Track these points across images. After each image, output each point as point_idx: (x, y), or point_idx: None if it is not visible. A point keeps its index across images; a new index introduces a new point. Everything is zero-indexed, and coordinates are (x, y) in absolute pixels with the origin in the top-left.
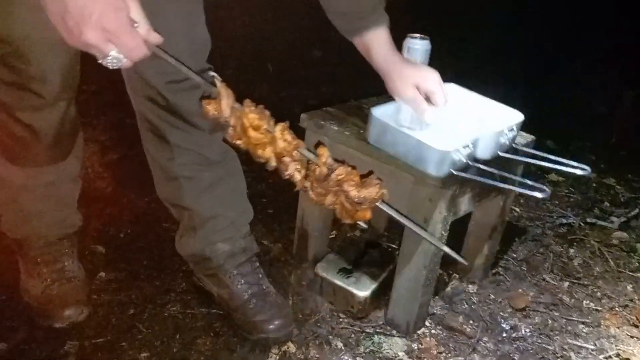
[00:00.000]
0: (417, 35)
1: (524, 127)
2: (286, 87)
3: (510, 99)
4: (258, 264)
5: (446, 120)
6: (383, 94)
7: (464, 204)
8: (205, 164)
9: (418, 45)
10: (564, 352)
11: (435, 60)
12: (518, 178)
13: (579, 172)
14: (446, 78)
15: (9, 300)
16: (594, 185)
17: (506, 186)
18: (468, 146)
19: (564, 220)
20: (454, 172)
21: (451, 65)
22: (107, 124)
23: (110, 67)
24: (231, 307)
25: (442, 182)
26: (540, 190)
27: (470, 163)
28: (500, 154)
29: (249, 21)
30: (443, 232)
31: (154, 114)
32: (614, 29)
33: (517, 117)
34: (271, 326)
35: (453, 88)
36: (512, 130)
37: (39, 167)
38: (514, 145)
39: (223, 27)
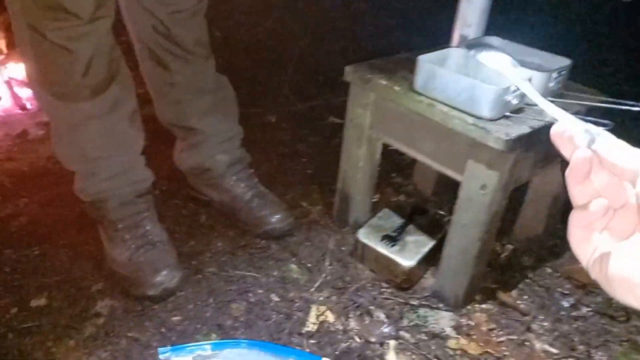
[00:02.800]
0: None
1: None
2: (328, 40)
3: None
4: (252, 171)
5: (494, 66)
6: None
7: (526, 170)
8: (204, 88)
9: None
10: (630, 336)
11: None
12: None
13: (636, 109)
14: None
15: (43, 256)
16: None
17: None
18: (521, 86)
19: None
20: (508, 114)
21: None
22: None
23: None
24: (235, 208)
25: (506, 145)
26: (604, 125)
27: (522, 106)
28: (550, 98)
29: None
30: (502, 201)
31: (156, 43)
32: None
33: (564, 61)
34: (274, 219)
35: (496, 40)
36: (560, 74)
37: (83, 102)
38: (563, 91)
39: None
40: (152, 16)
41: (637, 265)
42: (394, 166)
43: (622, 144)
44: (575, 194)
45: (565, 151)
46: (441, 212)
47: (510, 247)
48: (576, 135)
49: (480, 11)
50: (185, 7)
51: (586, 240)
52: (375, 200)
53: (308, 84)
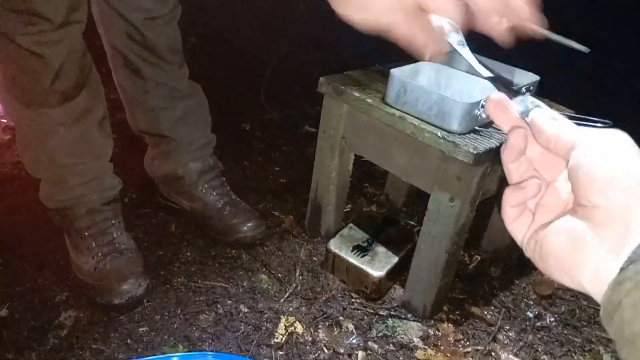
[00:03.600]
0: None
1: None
2: (306, 50)
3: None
4: (224, 179)
5: (464, 81)
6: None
7: (494, 183)
8: (178, 96)
9: None
10: (592, 345)
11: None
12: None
13: (599, 125)
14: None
15: (6, 266)
16: None
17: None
18: (491, 80)
19: None
20: (477, 128)
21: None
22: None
23: None
24: (207, 216)
25: (474, 158)
26: (604, 123)
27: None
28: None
29: None
30: (470, 214)
31: (130, 50)
32: None
33: (533, 77)
34: (245, 227)
35: (467, 53)
36: (529, 89)
37: (52, 108)
38: (530, 106)
39: None
40: (126, 22)
41: (569, 242)
42: (367, 175)
43: (558, 116)
44: (511, 171)
45: (500, 122)
46: (412, 223)
47: (478, 257)
48: (511, 105)
49: None
50: (160, 13)
51: (520, 218)
52: (347, 210)
53: (284, 92)
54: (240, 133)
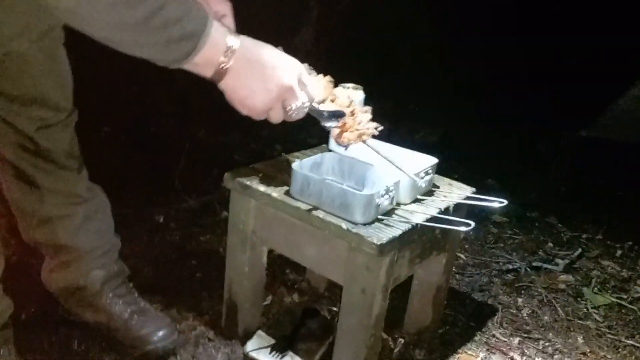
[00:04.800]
0: (350, 85)
1: (468, 166)
2: (225, 131)
3: (449, 139)
4: (131, 285)
5: (365, 169)
6: (322, 142)
7: (405, 268)
8: (76, 202)
9: (352, 96)
10: None
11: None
12: (443, 216)
13: (496, 204)
14: (384, 121)
15: None
16: (537, 224)
17: (430, 224)
18: (390, 190)
19: (510, 266)
20: (380, 217)
21: (389, 108)
22: None
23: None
24: (112, 329)
25: (379, 249)
26: (467, 225)
27: (394, 207)
28: (419, 197)
29: None
30: (383, 303)
31: (22, 160)
32: (556, 70)
33: (432, 160)
34: (156, 337)
35: (370, 141)
36: (428, 173)
37: None
38: (432, 188)
39: (162, 70)
40: (17, 132)
41: None
42: (286, 261)
43: None
44: None
45: None
46: (334, 309)
47: (402, 340)
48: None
49: None
50: (55, 120)
51: None
52: (267, 303)
53: (201, 177)
54: (153, 226)
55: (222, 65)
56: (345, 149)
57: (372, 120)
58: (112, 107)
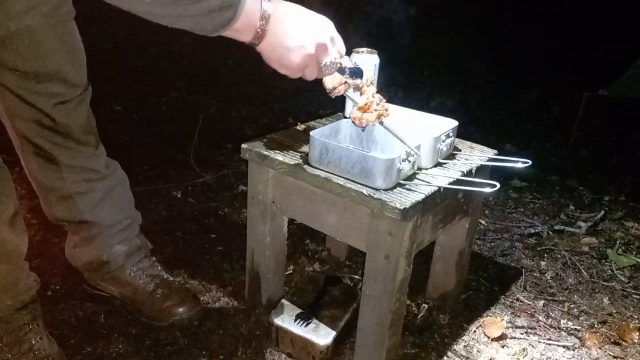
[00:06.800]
0: (364, 49)
1: (485, 131)
2: (237, 105)
3: (467, 105)
4: (154, 258)
5: (385, 134)
6: (333, 113)
7: (428, 233)
8: (95, 178)
9: (367, 60)
10: None
11: (387, 70)
12: (465, 178)
13: (519, 165)
14: (398, 88)
15: None
16: (557, 188)
17: (453, 187)
18: (411, 154)
19: (532, 230)
20: (402, 182)
21: (403, 74)
22: None
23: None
24: (138, 301)
25: (402, 214)
26: (491, 186)
27: (415, 172)
28: (441, 160)
29: (197, 38)
30: (407, 268)
31: (41, 137)
32: (567, 34)
33: (452, 123)
34: (181, 309)
35: (386, 122)
36: (448, 136)
37: None
38: (453, 151)
39: (169, 47)
40: (34, 110)
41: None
42: (307, 232)
43: None
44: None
45: None
46: (356, 277)
47: (425, 306)
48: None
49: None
50: (71, 96)
51: None
52: (289, 272)
53: (215, 152)
54: (171, 201)
55: (260, 28)
56: (363, 130)
57: (379, 91)
58: (121, 86)
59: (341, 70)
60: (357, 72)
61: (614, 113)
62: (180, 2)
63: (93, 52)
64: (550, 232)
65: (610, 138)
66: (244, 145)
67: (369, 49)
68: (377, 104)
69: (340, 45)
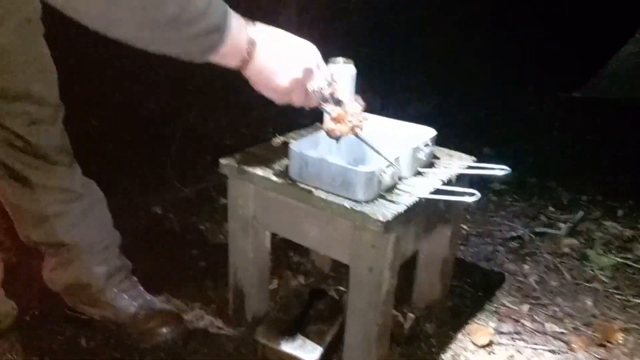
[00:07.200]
0: (340, 58)
1: (463, 135)
2: (215, 114)
3: (445, 108)
4: (135, 279)
5: (363, 145)
6: (314, 122)
7: (411, 243)
8: (71, 198)
9: (343, 71)
10: None
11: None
12: (446, 187)
13: (499, 173)
14: (375, 94)
15: None
16: (537, 189)
17: (435, 196)
18: (391, 165)
19: (514, 233)
20: (383, 193)
21: (383, 80)
22: None
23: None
24: (119, 324)
25: (384, 226)
26: (470, 195)
27: (396, 182)
28: (420, 169)
29: None
30: (392, 280)
31: (11, 158)
32: (543, 35)
33: (430, 132)
34: (164, 329)
35: (360, 133)
36: (427, 145)
37: None
38: (431, 160)
39: (144, 55)
40: (5, 130)
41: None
42: (289, 244)
43: None
44: None
45: None
46: (341, 289)
47: (412, 316)
48: None
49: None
50: (43, 116)
51: None
52: (274, 287)
53: (194, 164)
54: (151, 217)
55: (247, 51)
56: (337, 141)
57: (363, 99)
58: (97, 101)
59: (324, 100)
60: (337, 102)
61: (589, 113)
62: (169, 26)
63: (66, 66)
64: (531, 235)
65: (586, 138)
66: (222, 161)
67: (345, 59)
68: (352, 115)
69: (325, 72)
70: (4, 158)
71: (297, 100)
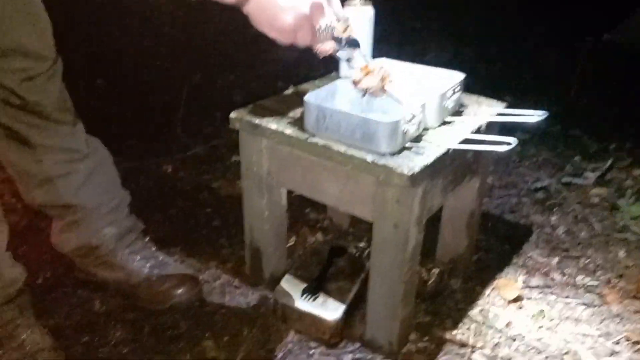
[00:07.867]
0: (357, 1)
1: (480, 84)
2: (222, 72)
3: (463, 57)
4: (148, 239)
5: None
6: (326, 73)
7: (437, 198)
8: (76, 158)
9: (360, 13)
10: (569, 345)
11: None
12: (478, 137)
13: (535, 119)
14: (394, 43)
15: None
16: (561, 139)
17: (465, 147)
18: (416, 114)
19: (539, 184)
20: (408, 145)
21: (398, 30)
22: None
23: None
24: (133, 286)
25: (410, 180)
26: (507, 144)
27: (422, 132)
28: (448, 118)
29: (176, 5)
30: (418, 235)
31: (9, 117)
32: None
33: (458, 77)
34: (180, 290)
35: (385, 62)
36: (455, 91)
37: None
38: (459, 108)
39: (149, 15)
40: (0, 88)
41: None
42: (306, 200)
43: None
44: None
45: None
46: (361, 246)
47: (436, 271)
48: None
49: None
50: (38, 71)
51: None
52: (291, 244)
53: (204, 122)
54: (162, 177)
55: None
56: (363, 96)
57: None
58: (102, 59)
59: (336, 40)
60: (353, 44)
61: (618, 59)
62: None
63: (70, 26)
64: (558, 185)
65: (612, 84)
66: (232, 115)
67: (362, 0)
68: (380, 68)
69: (337, 6)
70: (2, 118)
71: (303, 40)
